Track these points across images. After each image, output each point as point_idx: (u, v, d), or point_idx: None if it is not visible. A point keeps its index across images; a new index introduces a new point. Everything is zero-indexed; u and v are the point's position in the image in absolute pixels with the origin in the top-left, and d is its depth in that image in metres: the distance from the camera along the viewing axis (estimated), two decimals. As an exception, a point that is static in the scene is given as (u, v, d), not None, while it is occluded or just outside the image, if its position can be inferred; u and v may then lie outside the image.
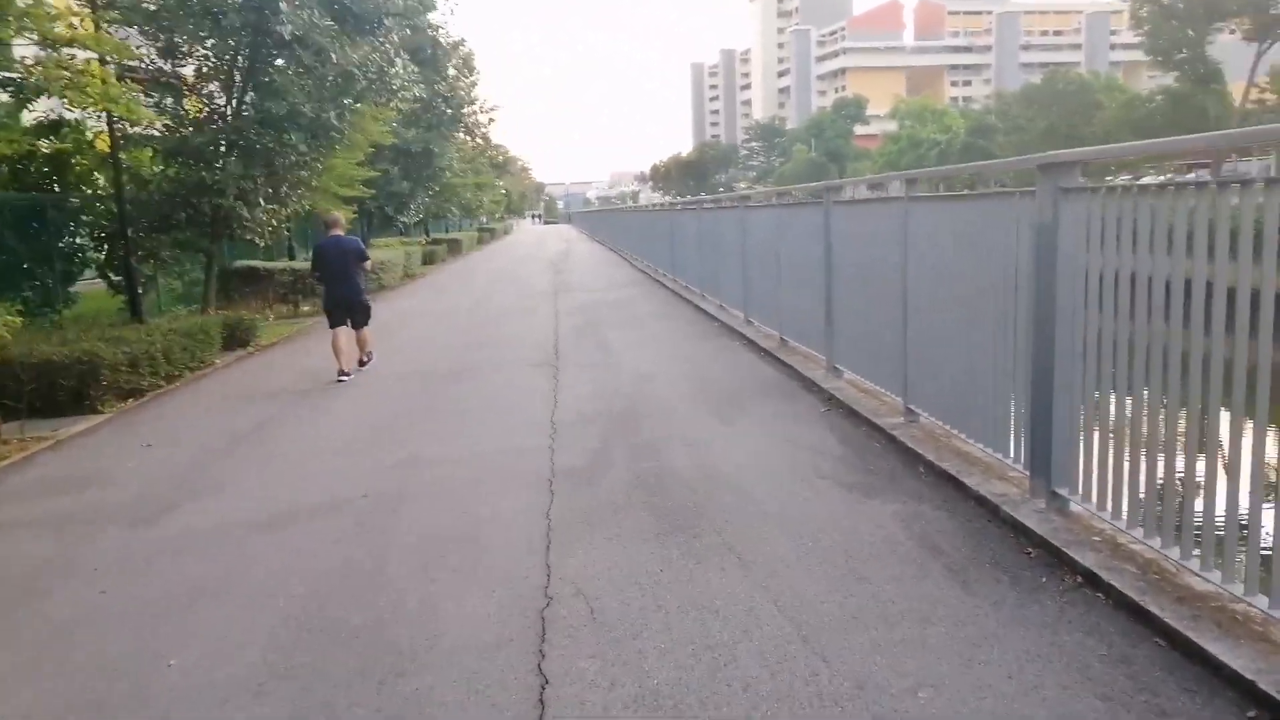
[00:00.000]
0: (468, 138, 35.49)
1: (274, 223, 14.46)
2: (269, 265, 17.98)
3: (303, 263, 19.56)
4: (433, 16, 27.67)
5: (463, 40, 33.80)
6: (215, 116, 13.62)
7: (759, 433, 6.13)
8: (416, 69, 17.40)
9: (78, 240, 13.45)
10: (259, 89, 13.62)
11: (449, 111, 27.91)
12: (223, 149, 13.66)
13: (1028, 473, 4.28)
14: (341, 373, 9.56)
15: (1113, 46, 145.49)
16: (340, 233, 10.22)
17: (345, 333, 9.86)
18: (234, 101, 13.81)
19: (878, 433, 5.76)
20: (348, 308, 9.90)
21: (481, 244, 50.96)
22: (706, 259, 13.47)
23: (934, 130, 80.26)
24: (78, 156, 12.89)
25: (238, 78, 13.85)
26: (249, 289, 17.73)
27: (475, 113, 32.13)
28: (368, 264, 10.48)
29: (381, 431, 7.03)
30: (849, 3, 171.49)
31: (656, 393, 7.71)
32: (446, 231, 46.01)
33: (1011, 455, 4.49)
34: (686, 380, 8.18)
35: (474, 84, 37.58)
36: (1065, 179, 3.88)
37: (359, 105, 14.69)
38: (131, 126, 13.08)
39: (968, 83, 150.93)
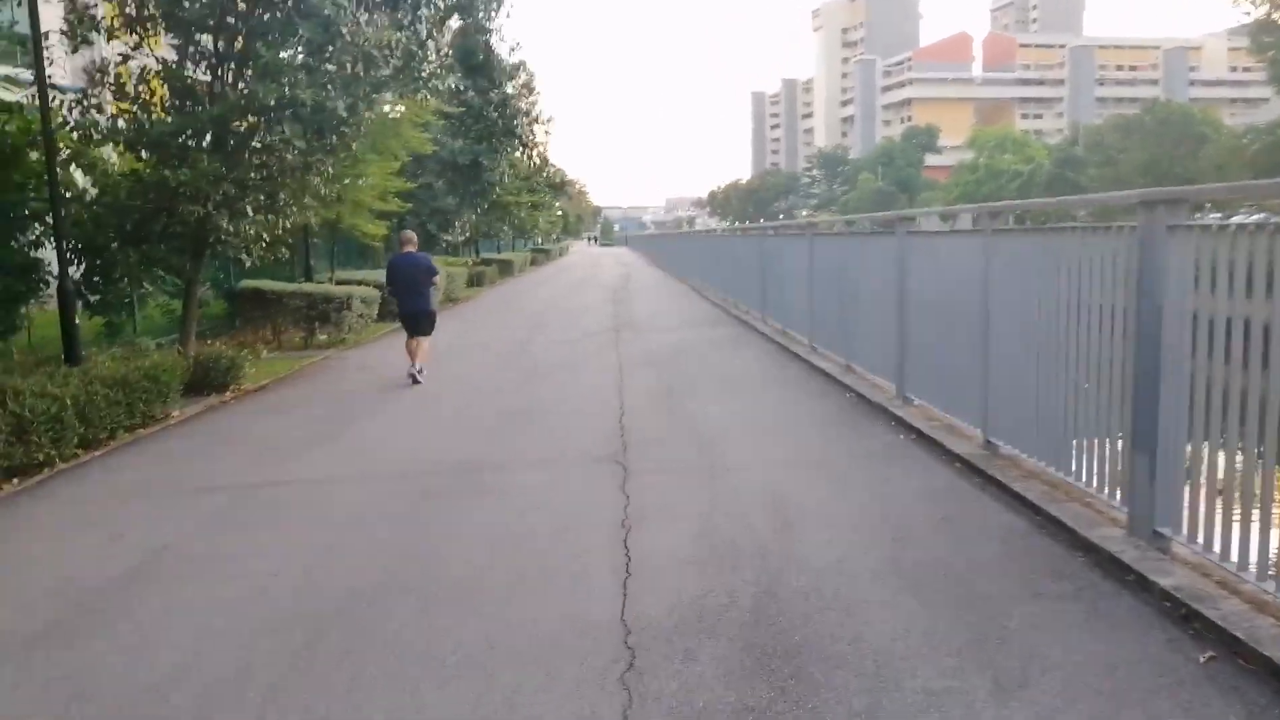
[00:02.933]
0: (523, 153, 32.61)
1: (266, 237, 11.42)
2: (278, 287, 15.03)
3: (318, 285, 16.69)
4: (488, 21, 24.94)
5: (520, 57, 30.92)
6: (189, 101, 10.64)
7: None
8: (449, 52, 14.26)
9: (35, 252, 10.71)
10: (252, 69, 10.69)
11: (501, 122, 24.99)
12: (205, 142, 10.78)
13: None
14: (413, 371, 10.28)
15: (1191, 83, 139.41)
16: (413, 250, 10.80)
17: (418, 341, 10.48)
18: (218, 83, 10.84)
19: None
20: (417, 319, 10.52)
21: (535, 265, 48.13)
22: (826, 302, 10.06)
23: (1015, 161, 75.94)
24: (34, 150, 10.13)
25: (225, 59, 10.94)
26: (259, 314, 14.89)
27: (531, 123, 29.23)
28: (437, 279, 10.92)
29: (308, 636, 3.71)
30: (915, 34, 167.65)
31: (819, 562, 4.21)
32: (498, 251, 43.30)
33: None
34: (861, 529, 4.70)
35: (534, 103, 34.88)
36: None
37: (377, 97, 11.63)
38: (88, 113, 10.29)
39: (1039, 115, 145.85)
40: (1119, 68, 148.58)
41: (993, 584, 3.85)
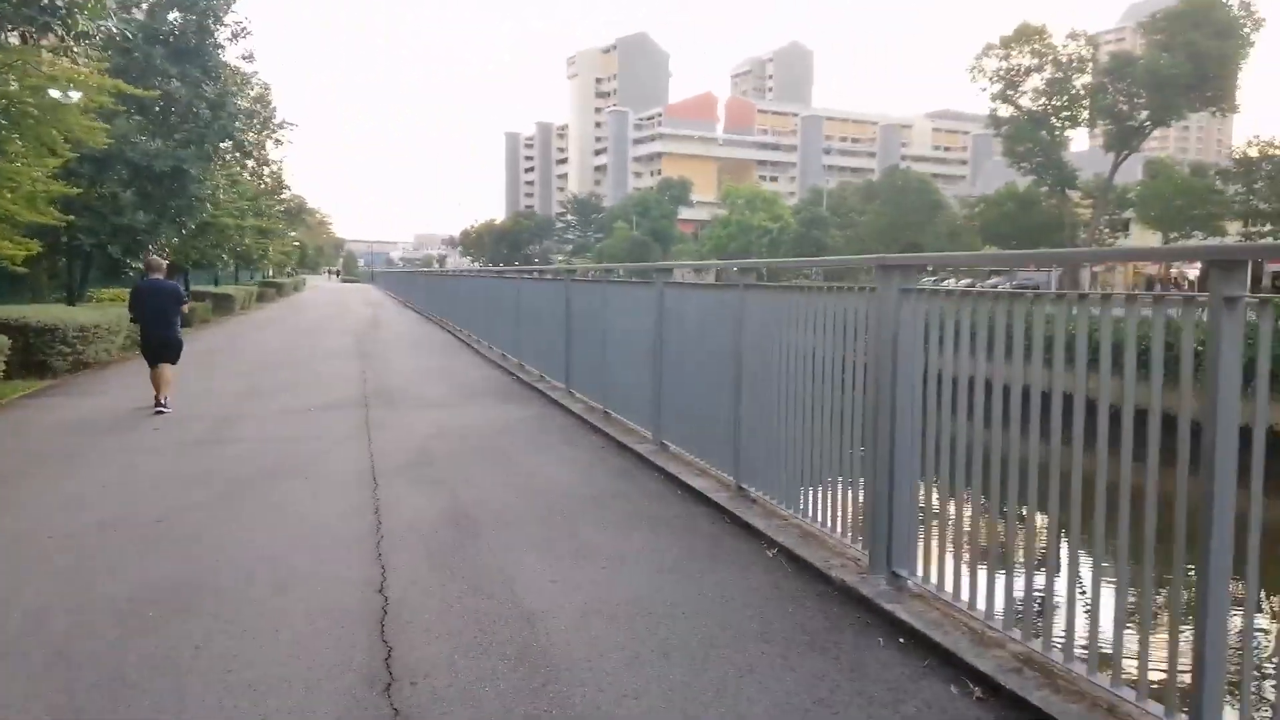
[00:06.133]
0: (244, 165, 27.13)
1: None
2: None
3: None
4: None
5: (255, 69, 25.83)
6: None
7: None
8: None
9: None
10: None
11: (216, 123, 19.87)
12: None
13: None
14: (159, 404, 10.03)
15: (902, 158, 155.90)
16: (159, 276, 10.75)
17: (161, 370, 10.18)
18: None
19: None
20: (161, 346, 10.30)
21: (263, 302, 41.63)
22: (690, 382, 6.84)
23: (765, 218, 78.57)
24: None
25: None
26: None
27: (261, 131, 24.06)
28: (185, 306, 11.22)
29: None
30: (665, 90, 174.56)
31: None
32: (216, 284, 36.70)
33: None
34: None
35: (265, 110, 29.44)
36: None
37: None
38: None
39: (774, 178, 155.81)
40: (843, 139, 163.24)
41: None
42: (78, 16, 8.07)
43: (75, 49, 8.93)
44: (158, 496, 6.37)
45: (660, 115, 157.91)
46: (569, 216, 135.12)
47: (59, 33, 8.61)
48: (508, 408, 10.42)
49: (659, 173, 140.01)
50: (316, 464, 7.44)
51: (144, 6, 19.97)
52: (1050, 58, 43.40)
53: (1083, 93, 42.70)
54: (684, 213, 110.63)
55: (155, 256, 11.76)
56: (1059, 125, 43.58)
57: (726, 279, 6.79)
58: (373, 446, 8.15)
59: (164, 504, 6.15)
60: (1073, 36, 42.77)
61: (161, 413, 9.82)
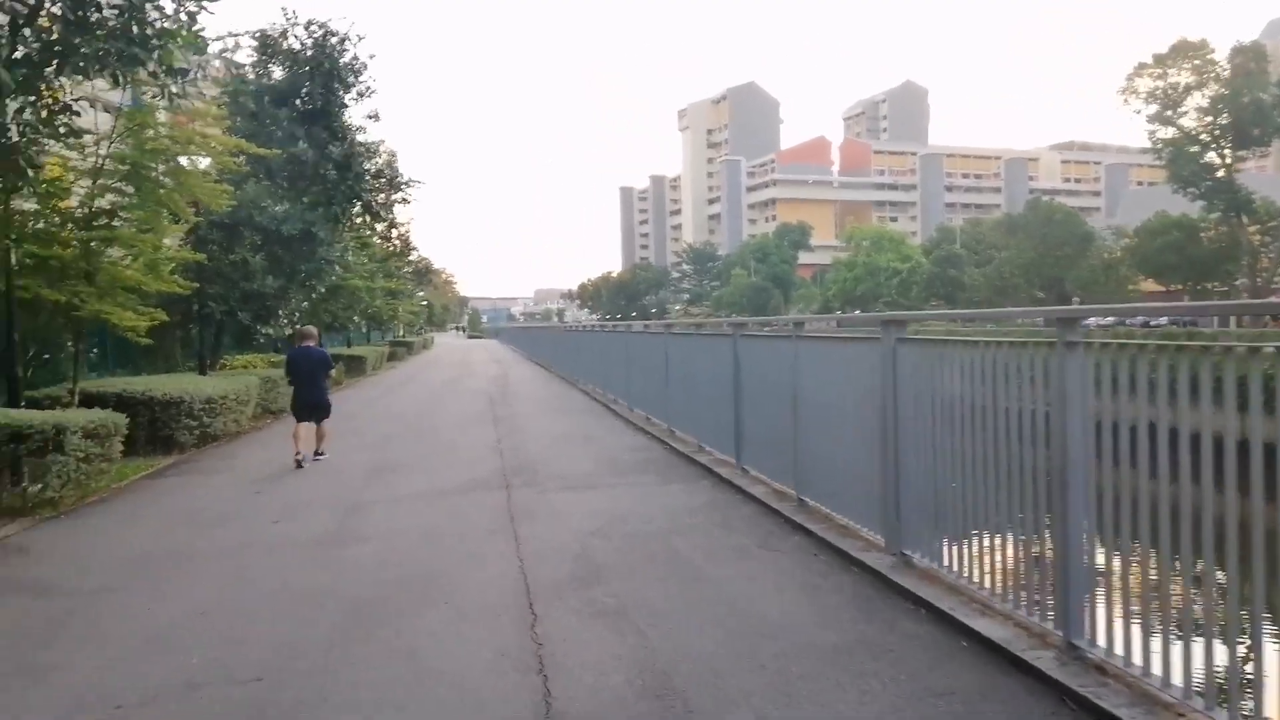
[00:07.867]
0: (374, 227, 26.86)
1: None
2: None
3: (20, 412, 10.39)
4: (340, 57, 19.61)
5: (381, 135, 25.73)
6: None
7: None
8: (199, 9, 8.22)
9: None
10: None
11: (344, 185, 19.34)
12: None
13: None
14: (299, 458, 10.68)
15: (1030, 192, 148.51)
16: (311, 344, 11.68)
17: (306, 427, 11.07)
18: None
19: None
20: (313, 408, 11.22)
21: (393, 361, 41.72)
22: (965, 467, 4.93)
23: (892, 258, 75.39)
24: None
25: None
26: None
27: (389, 191, 23.68)
28: (333, 371, 12.29)
29: None
30: (777, 137, 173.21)
31: None
32: (348, 345, 36.86)
33: None
34: None
35: (389, 169, 29.35)
36: None
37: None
38: None
39: (894, 219, 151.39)
40: (964, 175, 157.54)
41: None
42: (170, 48, 7.03)
43: (174, 89, 7.82)
44: (263, 632, 4.92)
45: (773, 162, 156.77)
46: (685, 266, 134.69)
47: (150, 68, 7.51)
48: (672, 489, 8.69)
49: (774, 219, 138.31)
50: (455, 578, 5.89)
51: (277, 75, 19.78)
52: (1212, 74, 39.59)
53: (1253, 108, 38.70)
54: (803, 257, 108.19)
55: (309, 326, 12.94)
56: (1228, 145, 39.50)
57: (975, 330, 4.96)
58: (521, 548, 6.57)
59: (269, 646, 4.68)
60: (1239, 50, 38.89)
61: (300, 467, 10.56)
